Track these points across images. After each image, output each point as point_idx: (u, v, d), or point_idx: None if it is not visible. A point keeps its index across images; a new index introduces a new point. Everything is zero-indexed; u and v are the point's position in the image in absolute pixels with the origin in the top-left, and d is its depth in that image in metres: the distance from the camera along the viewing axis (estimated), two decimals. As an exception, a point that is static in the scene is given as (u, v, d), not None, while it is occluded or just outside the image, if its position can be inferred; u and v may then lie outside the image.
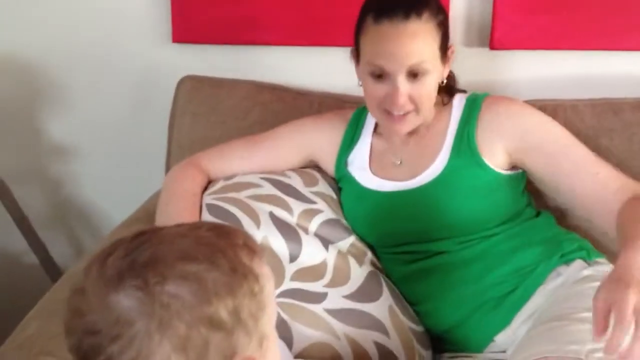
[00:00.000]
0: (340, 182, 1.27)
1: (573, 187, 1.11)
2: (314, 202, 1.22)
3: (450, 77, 1.20)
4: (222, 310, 0.57)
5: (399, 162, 1.20)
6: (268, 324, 0.61)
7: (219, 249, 0.60)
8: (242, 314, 0.58)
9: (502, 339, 1.10)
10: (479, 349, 1.12)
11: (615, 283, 0.81)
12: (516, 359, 0.92)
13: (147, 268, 0.57)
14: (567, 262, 1.11)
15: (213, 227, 0.63)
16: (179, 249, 0.58)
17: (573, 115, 1.31)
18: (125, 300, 0.56)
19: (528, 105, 1.19)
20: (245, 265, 0.60)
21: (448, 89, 1.21)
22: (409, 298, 1.20)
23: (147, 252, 0.58)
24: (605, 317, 0.81)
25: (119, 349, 0.55)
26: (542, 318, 1.02)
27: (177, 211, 1.18)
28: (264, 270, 0.63)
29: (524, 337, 1.01)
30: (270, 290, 0.62)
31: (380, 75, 1.10)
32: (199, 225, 0.63)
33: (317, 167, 1.31)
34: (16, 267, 1.49)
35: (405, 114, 1.12)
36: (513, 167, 1.16)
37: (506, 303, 1.11)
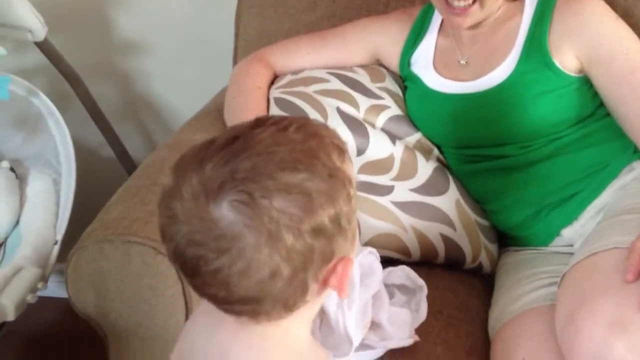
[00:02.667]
0: (405, 81, 1.26)
1: (629, 114, 1.06)
2: (381, 98, 1.22)
3: None
4: (325, 219, 0.58)
5: (464, 62, 1.17)
6: (355, 221, 0.63)
7: (315, 155, 0.60)
8: (342, 220, 0.60)
9: (569, 232, 1.10)
10: (545, 243, 1.12)
11: None
12: (585, 250, 0.93)
13: (249, 181, 0.57)
14: (642, 156, 1.08)
15: (300, 126, 0.62)
16: (278, 159, 0.58)
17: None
18: (230, 215, 0.56)
19: (609, 9, 1.10)
20: (339, 169, 0.61)
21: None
22: (474, 196, 1.20)
23: (246, 163, 0.57)
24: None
25: (228, 261, 0.56)
26: (612, 211, 1.01)
27: (244, 105, 1.20)
28: (352, 170, 0.63)
29: (593, 229, 1.01)
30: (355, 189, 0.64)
31: None
32: (286, 126, 0.61)
33: (383, 65, 1.30)
34: (93, 160, 1.55)
35: (467, 7, 1.08)
36: (582, 71, 1.12)
37: (575, 199, 1.10)
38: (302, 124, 0.62)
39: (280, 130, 0.61)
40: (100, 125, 1.49)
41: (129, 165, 1.53)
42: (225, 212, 0.56)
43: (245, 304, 0.59)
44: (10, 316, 1.08)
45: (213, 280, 0.58)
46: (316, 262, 0.59)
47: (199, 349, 0.66)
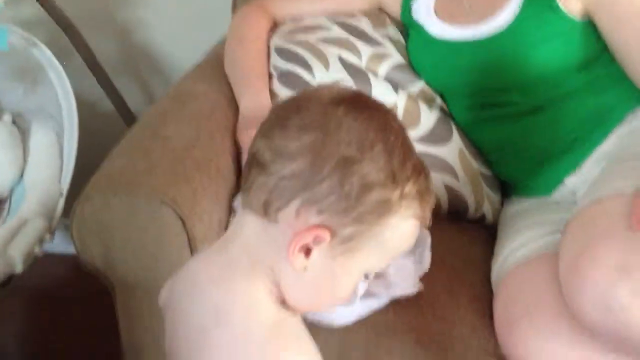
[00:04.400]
0: (407, 28, 1.24)
1: (633, 59, 1.05)
2: (383, 46, 1.20)
3: None
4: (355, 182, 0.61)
5: (467, 6, 1.15)
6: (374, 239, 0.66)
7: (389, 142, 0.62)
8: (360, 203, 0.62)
9: (572, 181, 1.10)
10: (548, 192, 1.12)
11: None
12: (589, 197, 0.93)
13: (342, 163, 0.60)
14: (647, 103, 1.07)
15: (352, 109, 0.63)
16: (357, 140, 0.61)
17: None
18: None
19: None
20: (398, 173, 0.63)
21: None
22: (478, 145, 1.19)
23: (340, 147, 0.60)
24: None
25: None
26: (618, 158, 1.00)
27: (244, 56, 1.19)
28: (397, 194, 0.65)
29: (597, 176, 1.01)
30: None
31: None
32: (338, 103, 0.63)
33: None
34: (92, 113, 1.54)
35: None
36: (586, 14, 1.10)
37: (579, 146, 1.09)
38: (355, 106, 0.64)
39: (355, 110, 0.63)
40: (98, 78, 1.47)
41: (128, 117, 1.52)
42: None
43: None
44: (19, 268, 1.08)
45: None
46: (309, 196, 0.60)
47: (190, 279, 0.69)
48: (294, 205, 0.60)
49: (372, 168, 0.60)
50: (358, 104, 0.63)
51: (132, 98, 1.60)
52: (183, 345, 0.66)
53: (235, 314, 0.63)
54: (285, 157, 0.60)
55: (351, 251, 0.62)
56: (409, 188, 0.62)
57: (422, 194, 0.63)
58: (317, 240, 0.61)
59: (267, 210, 0.61)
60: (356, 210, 0.60)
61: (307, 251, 0.61)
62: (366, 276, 0.66)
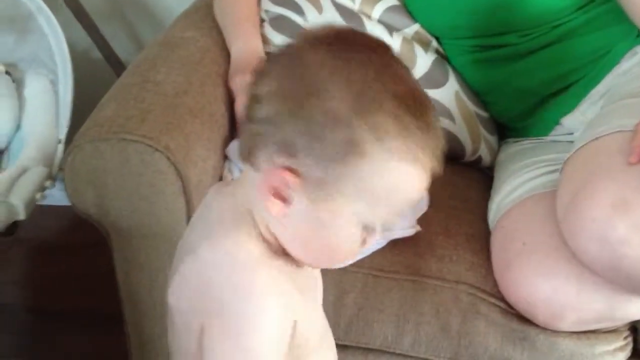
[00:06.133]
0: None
1: None
2: (376, -13, 1.17)
3: None
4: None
5: None
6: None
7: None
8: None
9: (569, 121, 1.09)
10: (545, 133, 1.12)
11: None
12: (587, 135, 0.92)
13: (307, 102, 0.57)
14: (645, 41, 1.06)
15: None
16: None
17: None
18: None
19: None
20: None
21: None
22: (474, 87, 1.18)
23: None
24: None
25: None
26: (615, 96, 0.99)
27: (234, 1, 1.16)
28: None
29: (596, 115, 1.00)
30: None
31: None
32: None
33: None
34: (81, 62, 1.51)
35: None
36: None
37: (576, 86, 1.08)
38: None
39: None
40: (86, 27, 1.44)
41: (117, 66, 1.50)
42: None
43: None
44: (21, 215, 1.08)
45: None
46: (281, 140, 0.57)
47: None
48: (270, 151, 0.58)
49: (338, 104, 0.56)
50: (344, 42, 0.60)
51: (121, 46, 1.57)
52: None
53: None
54: (261, 102, 0.58)
55: (331, 196, 0.58)
56: (388, 127, 0.56)
57: (408, 133, 0.56)
58: (286, 184, 0.58)
59: (250, 159, 0.60)
60: (320, 150, 0.56)
61: (284, 199, 0.59)
62: (371, 228, 0.60)
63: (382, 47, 0.61)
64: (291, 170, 0.57)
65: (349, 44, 0.60)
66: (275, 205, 0.59)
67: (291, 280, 0.62)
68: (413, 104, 0.57)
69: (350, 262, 0.65)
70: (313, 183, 0.57)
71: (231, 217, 0.63)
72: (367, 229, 0.60)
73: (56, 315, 1.45)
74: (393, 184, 0.58)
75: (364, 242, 0.61)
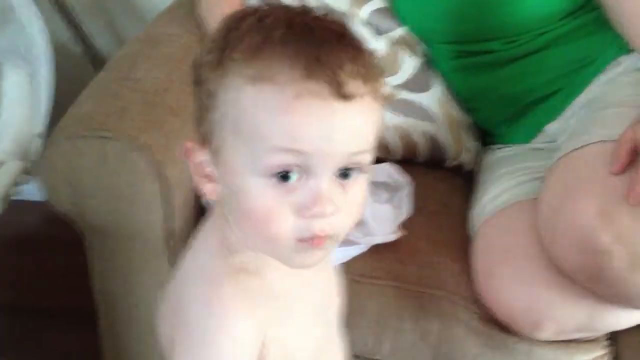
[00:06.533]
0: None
1: (620, 7, 1.00)
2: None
3: None
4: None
5: None
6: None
7: None
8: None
9: (552, 128, 1.09)
10: (527, 140, 1.11)
11: None
12: (570, 144, 0.92)
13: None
14: (629, 52, 1.06)
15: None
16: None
17: None
18: None
19: None
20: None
21: None
22: (458, 93, 1.18)
23: None
24: (628, 154, 0.81)
25: None
26: (599, 105, 0.99)
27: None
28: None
29: (579, 123, 1.00)
30: None
31: None
32: None
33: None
34: (61, 57, 1.48)
35: None
36: None
37: (560, 94, 1.08)
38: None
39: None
40: (66, 19, 1.41)
41: (97, 61, 1.47)
42: None
43: None
44: None
45: None
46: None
47: None
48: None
49: (207, 51, 0.54)
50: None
51: (101, 41, 1.54)
52: None
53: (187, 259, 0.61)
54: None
55: (221, 152, 0.54)
56: (240, 47, 0.51)
57: (260, 48, 0.51)
58: (189, 155, 0.56)
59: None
60: (197, 104, 0.55)
61: (209, 176, 0.57)
62: (270, 174, 0.52)
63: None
64: (201, 139, 0.56)
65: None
66: (206, 185, 0.57)
67: (270, 296, 0.59)
68: (296, 30, 0.52)
69: (308, 257, 0.56)
70: (210, 149, 0.55)
71: (206, 227, 0.61)
72: (271, 172, 0.52)
73: (34, 313, 1.42)
74: (250, 112, 0.51)
75: (283, 195, 0.53)
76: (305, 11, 0.54)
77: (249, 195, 0.53)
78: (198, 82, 0.55)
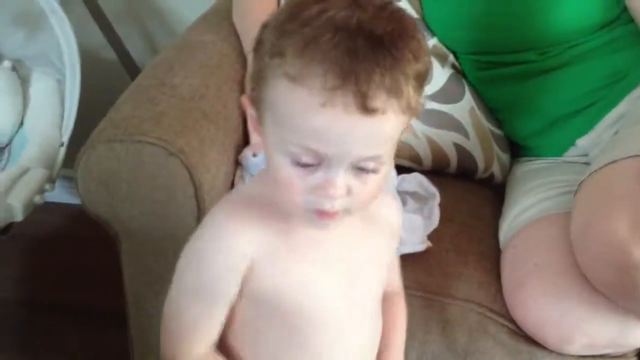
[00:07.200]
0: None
1: None
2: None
3: None
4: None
5: None
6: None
7: None
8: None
9: (584, 142, 1.08)
10: (559, 153, 1.11)
11: None
12: (603, 159, 0.91)
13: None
14: (664, 67, 1.05)
15: None
16: None
17: None
18: None
19: None
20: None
21: None
22: (489, 104, 1.18)
23: None
24: None
25: None
26: (631, 120, 0.99)
27: (254, 7, 1.15)
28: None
29: (611, 138, 1.00)
30: None
31: None
32: None
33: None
34: (94, 62, 1.51)
35: None
36: None
37: (592, 108, 1.08)
38: None
39: None
40: (101, 25, 1.44)
41: (131, 67, 1.49)
42: None
43: None
44: (19, 216, 1.07)
45: None
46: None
47: None
48: None
49: (271, 26, 0.58)
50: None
51: (135, 48, 1.56)
52: None
53: None
54: None
55: (261, 121, 0.60)
56: (290, 42, 0.55)
57: (305, 48, 0.54)
58: (245, 107, 0.62)
59: None
60: (254, 67, 0.60)
61: (258, 129, 0.62)
62: (294, 159, 0.58)
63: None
64: (252, 100, 0.61)
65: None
66: (255, 136, 0.63)
67: (281, 230, 0.63)
68: (346, 28, 0.54)
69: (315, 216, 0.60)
70: (257, 113, 0.61)
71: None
72: (293, 159, 0.58)
73: (52, 310, 1.45)
74: (282, 104, 0.57)
75: (301, 175, 0.58)
76: (365, 5, 0.56)
77: (274, 165, 0.60)
78: (259, 45, 0.59)
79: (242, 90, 1.05)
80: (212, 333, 0.66)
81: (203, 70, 1.04)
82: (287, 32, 0.56)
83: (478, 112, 1.15)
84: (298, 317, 0.65)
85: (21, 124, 1.28)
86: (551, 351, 0.91)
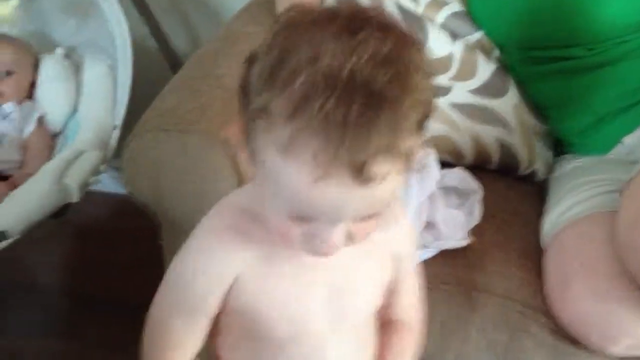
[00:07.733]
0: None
1: None
2: (441, -8, 1.16)
3: None
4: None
5: None
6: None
7: None
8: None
9: (631, 140, 1.06)
10: (605, 151, 1.09)
11: None
12: (652, 158, 0.90)
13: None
14: None
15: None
16: None
17: None
18: None
19: None
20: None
21: None
22: (535, 100, 1.16)
23: None
24: None
25: None
26: None
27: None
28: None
29: None
30: None
31: None
32: None
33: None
34: (136, 52, 1.52)
35: None
36: None
37: (638, 106, 1.06)
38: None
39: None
40: (143, 15, 1.45)
41: (172, 58, 1.50)
42: None
43: None
44: (75, 197, 1.09)
45: None
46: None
47: None
48: None
49: (258, 69, 0.53)
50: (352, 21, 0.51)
51: (177, 39, 1.57)
52: None
53: None
54: None
55: (253, 161, 0.55)
56: (279, 100, 0.49)
57: (297, 110, 0.49)
58: (236, 139, 0.56)
59: None
60: (242, 117, 0.54)
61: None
62: (296, 218, 0.54)
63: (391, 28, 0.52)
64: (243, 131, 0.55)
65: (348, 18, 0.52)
66: (244, 155, 0.56)
67: (264, 255, 0.61)
68: (327, 86, 0.48)
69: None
70: (251, 155, 0.55)
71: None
72: (288, 214, 0.54)
73: (92, 301, 1.47)
74: (274, 174, 0.52)
75: (297, 224, 0.55)
76: (361, 55, 0.49)
77: (269, 210, 0.56)
78: (244, 84, 0.54)
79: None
80: (193, 345, 0.66)
81: (247, 61, 1.04)
82: (275, 82, 0.50)
83: (522, 107, 1.13)
84: (275, 330, 0.64)
85: (75, 110, 1.31)
86: (592, 351, 0.90)
